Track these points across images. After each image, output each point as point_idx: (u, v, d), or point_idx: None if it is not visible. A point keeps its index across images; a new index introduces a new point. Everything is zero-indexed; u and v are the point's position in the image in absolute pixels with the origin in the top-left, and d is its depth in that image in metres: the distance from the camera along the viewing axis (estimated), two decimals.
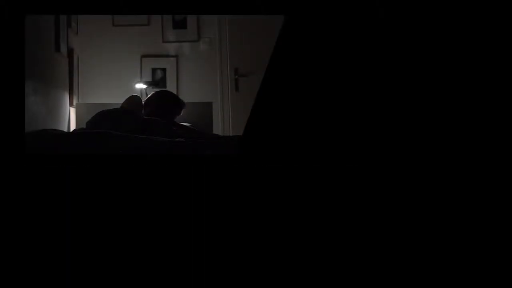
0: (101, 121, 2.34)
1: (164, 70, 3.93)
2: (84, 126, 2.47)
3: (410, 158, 1.11)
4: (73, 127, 3.45)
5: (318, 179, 1.13)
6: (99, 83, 3.87)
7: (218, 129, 3.74)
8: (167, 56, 3.94)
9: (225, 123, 3.90)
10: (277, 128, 1.15)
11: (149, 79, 3.87)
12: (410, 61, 1.11)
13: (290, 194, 1.14)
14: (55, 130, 2.64)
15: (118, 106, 2.82)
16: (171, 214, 1.17)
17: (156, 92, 3.00)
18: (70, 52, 3.55)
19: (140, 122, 2.32)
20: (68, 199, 1.17)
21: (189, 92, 3.89)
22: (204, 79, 3.94)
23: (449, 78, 1.10)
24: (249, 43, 3.82)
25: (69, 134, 2.39)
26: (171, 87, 3.82)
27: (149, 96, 2.98)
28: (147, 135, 1.98)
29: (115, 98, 3.40)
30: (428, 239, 1.11)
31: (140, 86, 3.70)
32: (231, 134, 3.64)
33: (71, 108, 3.52)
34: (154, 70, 3.92)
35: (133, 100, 2.89)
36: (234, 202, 1.15)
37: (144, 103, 2.88)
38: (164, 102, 2.87)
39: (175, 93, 3.11)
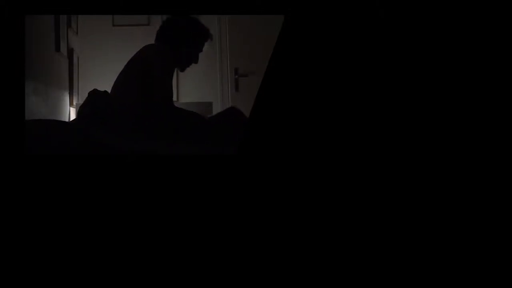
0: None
1: None
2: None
3: (414, 159, 1.11)
4: None
5: (317, 180, 1.13)
6: (99, 83, 3.86)
7: None
8: None
9: None
10: (277, 128, 1.15)
11: None
12: (410, 61, 1.11)
13: (289, 194, 1.14)
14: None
15: None
16: (170, 214, 1.17)
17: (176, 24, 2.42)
18: (70, 52, 3.55)
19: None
20: (68, 199, 1.17)
21: (189, 92, 3.89)
22: (204, 79, 3.94)
23: (449, 78, 1.10)
24: (249, 43, 3.82)
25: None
26: None
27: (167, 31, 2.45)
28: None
29: None
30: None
31: None
32: None
33: (71, 108, 3.53)
34: None
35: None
36: (234, 203, 1.15)
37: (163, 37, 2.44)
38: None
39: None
